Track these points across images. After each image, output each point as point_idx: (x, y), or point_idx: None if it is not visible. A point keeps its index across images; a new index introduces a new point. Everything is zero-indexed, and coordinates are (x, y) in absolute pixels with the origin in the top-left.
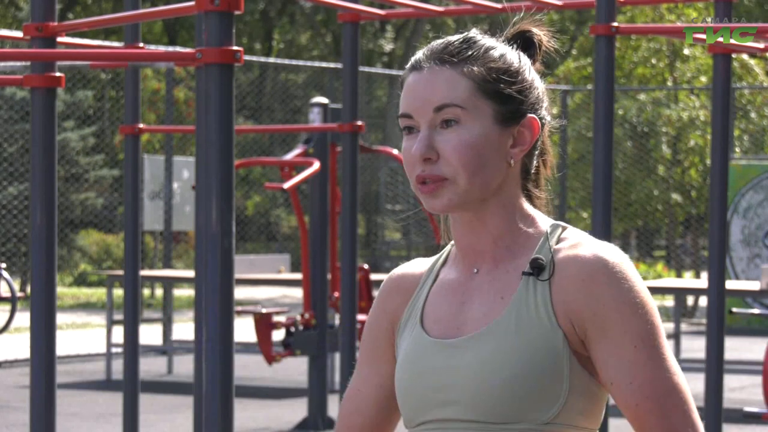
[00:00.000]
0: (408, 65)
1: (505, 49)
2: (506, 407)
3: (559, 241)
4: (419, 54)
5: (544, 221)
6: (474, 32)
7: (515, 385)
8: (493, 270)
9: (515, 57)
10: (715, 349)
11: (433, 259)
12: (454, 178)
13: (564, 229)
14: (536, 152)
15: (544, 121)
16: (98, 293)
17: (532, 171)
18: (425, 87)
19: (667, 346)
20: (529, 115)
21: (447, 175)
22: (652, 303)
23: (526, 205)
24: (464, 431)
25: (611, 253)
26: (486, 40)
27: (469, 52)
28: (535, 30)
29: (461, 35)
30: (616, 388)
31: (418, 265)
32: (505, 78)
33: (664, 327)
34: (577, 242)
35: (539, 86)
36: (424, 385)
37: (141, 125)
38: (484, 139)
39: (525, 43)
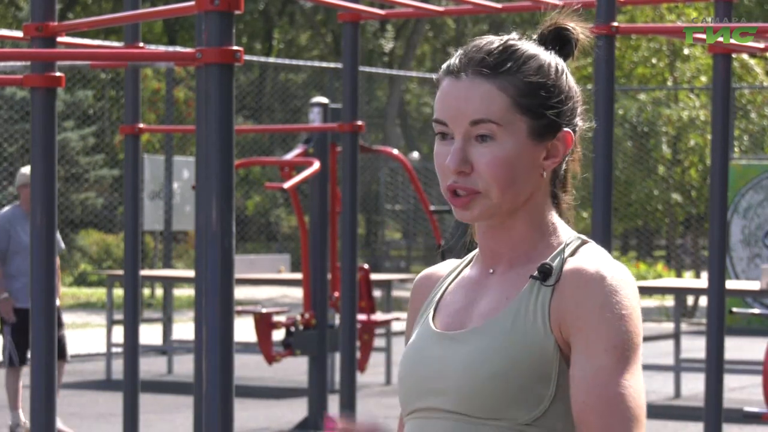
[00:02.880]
0: (444, 67)
1: (544, 59)
2: (488, 403)
3: (574, 253)
4: (456, 58)
5: (567, 233)
6: (513, 38)
7: (499, 382)
8: (507, 272)
9: (553, 67)
10: (715, 349)
11: (461, 260)
12: (487, 192)
13: (584, 243)
14: (567, 158)
15: (576, 128)
16: (98, 293)
17: (561, 175)
18: (462, 98)
19: (639, 371)
20: (564, 129)
21: (480, 189)
22: (639, 327)
23: (553, 215)
24: (447, 422)
25: (615, 270)
26: (525, 47)
27: (508, 64)
28: (571, 26)
29: (501, 41)
30: (573, 381)
31: (447, 265)
32: (541, 93)
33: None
34: (588, 256)
35: (575, 95)
36: (419, 374)
37: (141, 125)
38: (518, 155)
39: (562, 41)
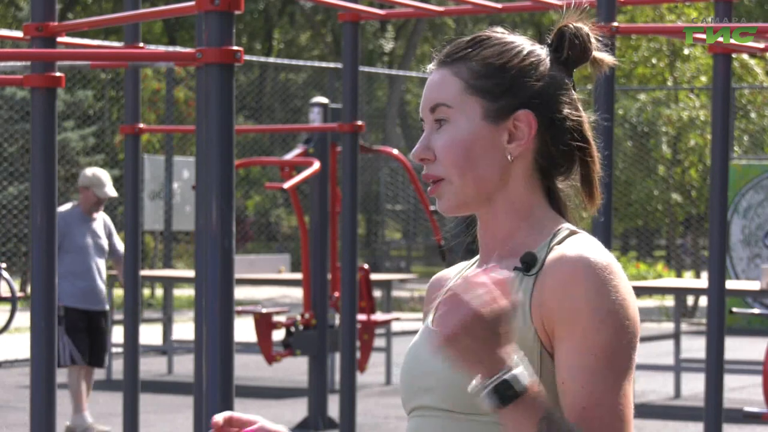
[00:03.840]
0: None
1: (515, 45)
2: (471, 398)
3: (561, 242)
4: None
5: (559, 224)
6: (497, 30)
7: None
8: (497, 265)
9: (522, 51)
10: (715, 349)
11: (471, 260)
12: (449, 177)
13: (573, 233)
14: (555, 149)
15: (557, 116)
16: None
17: (561, 169)
18: (427, 89)
19: (630, 370)
20: (523, 110)
21: (442, 175)
22: (630, 316)
23: (544, 206)
24: (437, 419)
25: (597, 254)
26: (501, 36)
27: (466, 51)
28: (572, 25)
29: (476, 34)
30: (565, 389)
31: (456, 267)
32: (496, 74)
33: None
34: (571, 243)
35: (548, 81)
36: (413, 373)
37: (141, 125)
38: (472, 136)
39: (558, 37)
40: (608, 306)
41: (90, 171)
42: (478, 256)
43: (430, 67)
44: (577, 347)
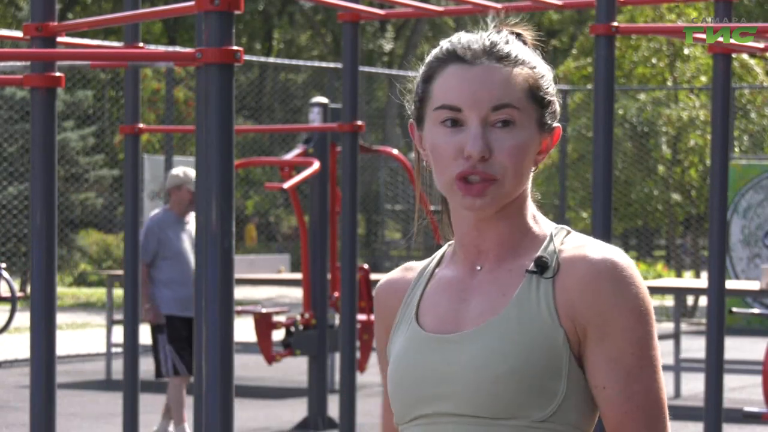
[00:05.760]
0: (445, 54)
1: (535, 54)
2: (501, 403)
3: (563, 242)
4: (460, 46)
5: (547, 224)
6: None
7: (512, 380)
8: (495, 268)
9: (546, 64)
10: (715, 349)
11: (425, 261)
12: (503, 179)
13: (568, 232)
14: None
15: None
16: (98, 293)
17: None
18: (482, 83)
19: (660, 358)
20: (556, 124)
21: (498, 176)
22: (652, 311)
23: (533, 207)
24: (458, 425)
25: (619, 256)
26: (515, 42)
27: (518, 53)
28: (524, 33)
29: (503, 34)
30: (607, 393)
31: (409, 269)
32: (543, 83)
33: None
34: (583, 243)
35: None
36: (418, 380)
37: (141, 125)
38: (530, 144)
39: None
40: (639, 304)
41: (179, 170)
42: (440, 254)
43: (471, 58)
44: (615, 350)
